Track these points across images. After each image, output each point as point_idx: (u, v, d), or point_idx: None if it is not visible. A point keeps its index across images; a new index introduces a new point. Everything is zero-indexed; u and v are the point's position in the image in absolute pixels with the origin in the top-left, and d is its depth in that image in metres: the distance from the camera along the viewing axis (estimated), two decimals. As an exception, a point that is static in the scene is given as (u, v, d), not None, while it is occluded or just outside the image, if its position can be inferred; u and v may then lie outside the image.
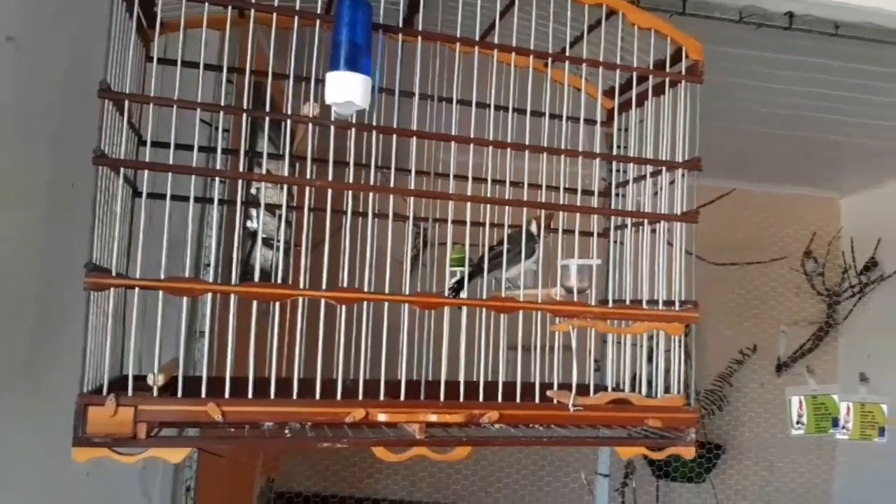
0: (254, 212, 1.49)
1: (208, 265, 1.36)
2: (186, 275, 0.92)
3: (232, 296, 0.85)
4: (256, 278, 0.91)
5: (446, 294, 1.05)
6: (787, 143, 3.21)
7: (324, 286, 0.91)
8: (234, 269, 0.88)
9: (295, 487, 3.83)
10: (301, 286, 0.89)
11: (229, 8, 0.98)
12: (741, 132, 3.06)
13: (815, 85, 2.47)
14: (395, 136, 1.01)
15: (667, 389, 1.14)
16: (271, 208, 1.24)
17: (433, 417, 0.91)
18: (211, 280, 0.86)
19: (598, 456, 2.19)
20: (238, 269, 0.92)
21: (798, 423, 2.29)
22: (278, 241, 1.10)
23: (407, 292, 0.97)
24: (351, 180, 0.98)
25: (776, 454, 4.04)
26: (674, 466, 3.79)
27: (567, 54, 1.19)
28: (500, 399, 1.00)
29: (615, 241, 1.32)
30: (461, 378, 1.02)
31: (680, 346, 1.16)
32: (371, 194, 0.99)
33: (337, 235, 1.00)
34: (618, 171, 1.33)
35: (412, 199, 1.04)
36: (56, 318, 1.11)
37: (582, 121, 1.25)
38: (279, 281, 1.01)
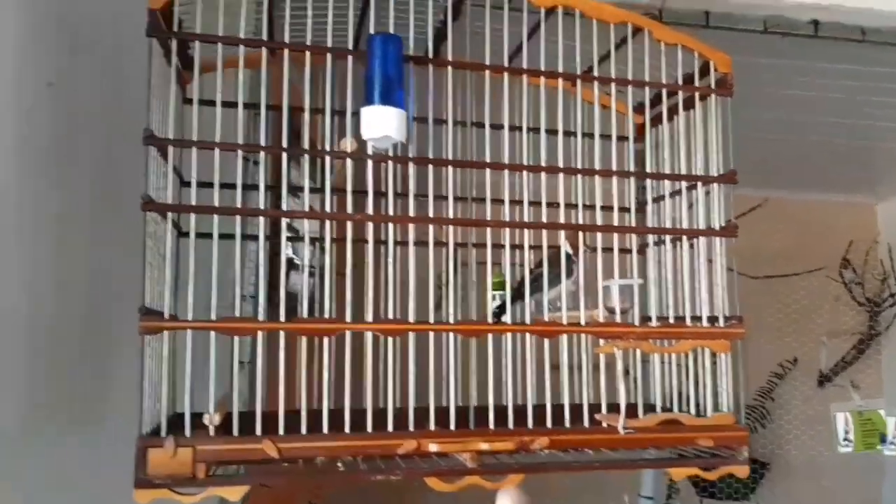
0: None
1: (248, 297, 1.38)
2: (235, 311, 0.93)
3: (281, 332, 0.86)
4: (305, 309, 0.91)
5: (490, 320, 1.05)
6: (818, 150, 3.18)
7: (369, 317, 0.92)
8: (282, 305, 0.89)
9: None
10: (347, 318, 0.90)
11: (264, 49, 1.00)
12: (771, 141, 3.04)
13: (845, 91, 2.45)
14: (430, 166, 1.02)
15: (715, 407, 1.13)
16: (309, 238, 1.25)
17: (484, 446, 0.91)
18: (259, 315, 0.86)
19: (642, 478, 2.15)
20: (284, 301, 0.93)
21: (845, 440, 2.24)
22: (312, 266, 1.11)
23: (451, 319, 0.97)
24: (391, 211, 0.99)
25: (823, 471, 3.93)
26: (718, 487, 3.71)
27: (595, 73, 1.19)
28: (549, 424, 0.99)
29: (653, 258, 1.31)
30: (509, 403, 1.02)
31: (727, 363, 1.14)
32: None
33: (376, 263, 1.01)
34: (652, 186, 1.33)
35: (450, 227, 1.05)
36: (104, 360, 1.13)
37: (614, 138, 1.25)
38: (326, 307, 1.02)
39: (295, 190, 1.05)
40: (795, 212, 3.97)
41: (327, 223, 0.93)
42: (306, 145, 0.98)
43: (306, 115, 0.98)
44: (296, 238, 1.09)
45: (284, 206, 0.93)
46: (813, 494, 3.95)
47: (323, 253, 1.06)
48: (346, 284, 1.00)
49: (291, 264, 1.90)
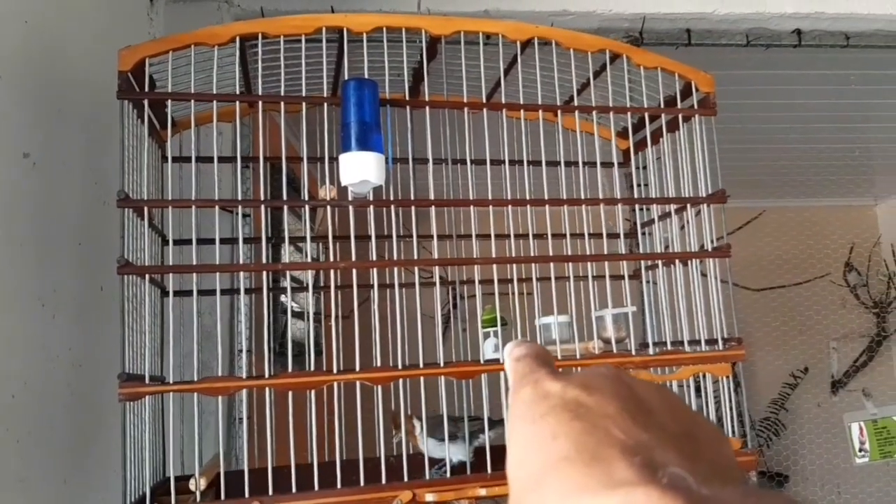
0: (284, 284, 1.49)
1: (240, 351, 1.36)
2: (220, 366, 0.91)
3: (267, 389, 0.84)
4: (290, 360, 0.90)
5: (482, 359, 1.03)
6: (813, 156, 3.17)
7: (357, 367, 0.90)
8: (267, 360, 0.87)
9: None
10: (334, 370, 0.88)
11: (237, 103, 0.99)
12: (764, 151, 3.03)
13: (833, 96, 2.44)
14: (413, 207, 1.01)
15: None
16: (300, 281, 1.24)
17: (482, 492, 0.88)
18: (244, 371, 0.85)
19: None
20: (272, 354, 0.91)
21: (861, 450, 2.19)
22: (308, 314, 1.09)
23: (441, 359, 0.95)
24: (374, 254, 0.98)
25: (841, 479, 3.86)
26: None
27: (576, 103, 1.19)
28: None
29: (647, 282, 1.30)
30: (507, 444, 1.00)
31: (728, 386, 1.12)
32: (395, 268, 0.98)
33: (364, 305, 1.00)
34: (641, 209, 1.32)
35: (437, 267, 1.03)
36: (92, 425, 1.11)
37: (599, 165, 1.25)
38: (312, 354, 1.01)
39: (282, 241, 1.04)
40: (794, 219, 3.95)
41: (309, 273, 0.91)
42: (287, 196, 0.97)
43: (283, 162, 0.97)
44: (283, 290, 1.08)
45: (264, 259, 0.92)
46: (834, 502, 3.88)
47: (316, 300, 1.04)
48: (336, 332, 0.99)
49: (286, 313, 1.90)
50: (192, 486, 0.81)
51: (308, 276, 0.94)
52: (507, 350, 0.42)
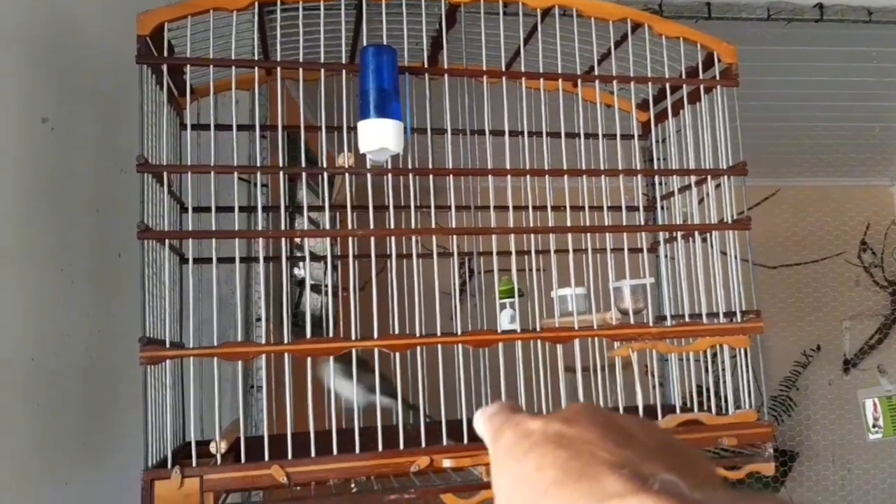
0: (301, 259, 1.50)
1: (258, 320, 1.37)
2: (238, 333, 0.92)
3: (286, 354, 0.84)
4: (308, 327, 0.90)
5: (499, 328, 1.03)
6: (830, 135, 3.13)
7: (375, 335, 0.90)
8: (285, 327, 0.87)
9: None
10: (353, 337, 0.88)
11: (256, 69, 0.98)
12: (781, 129, 3.00)
13: (854, 73, 2.41)
14: (431, 176, 1.00)
15: (736, 405, 1.10)
16: (315, 254, 1.24)
17: (500, 459, 0.88)
18: (263, 337, 0.85)
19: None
20: (289, 322, 0.91)
21: (874, 426, 2.19)
22: (326, 285, 1.09)
23: (458, 329, 0.95)
24: (392, 223, 0.98)
25: (852, 457, 3.86)
26: (747, 482, 3.65)
27: (596, 73, 1.17)
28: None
29: (665, 256, 1.29)
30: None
31: (746, 358, 1.11)
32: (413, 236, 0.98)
33: (382, 276, 1.00)
34: (660, 183, 1.30)
35: (454, 236, 1.03)
36: (110, 390, 1.13)
37: (619, 137, 1.23)
38: (330, 325, 1.01)
39: (298, 210, 1.04)
40: (810, 198, 3.91)
41: (328, 241, 0.91)
42: (304, 158, 0.97)
43: (301, 131, 0.96)
44: (301, 258, 1.08)
45: (283, 226, 0.91)
46: (843, 480, 3.89)
47: (333, 271, 1.04)
48: (353, 301, 0.99)
49: (302, 284, 1.90)
50: (212, 449, 0.82)
51: (326, 244, 0.93)
52: (477, 415, 0.43)
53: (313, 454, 0.84)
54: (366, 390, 0.91)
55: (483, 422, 0.42)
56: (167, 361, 0.84)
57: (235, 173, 0.89)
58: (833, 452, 3.89)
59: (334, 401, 0.88)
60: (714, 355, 1.15)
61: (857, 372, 3.89)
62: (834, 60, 2.32)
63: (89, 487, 1.03)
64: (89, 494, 1.03)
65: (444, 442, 0.90)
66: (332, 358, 0.85)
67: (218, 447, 0.81)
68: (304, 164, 0.97)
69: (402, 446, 0.88)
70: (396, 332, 0.92)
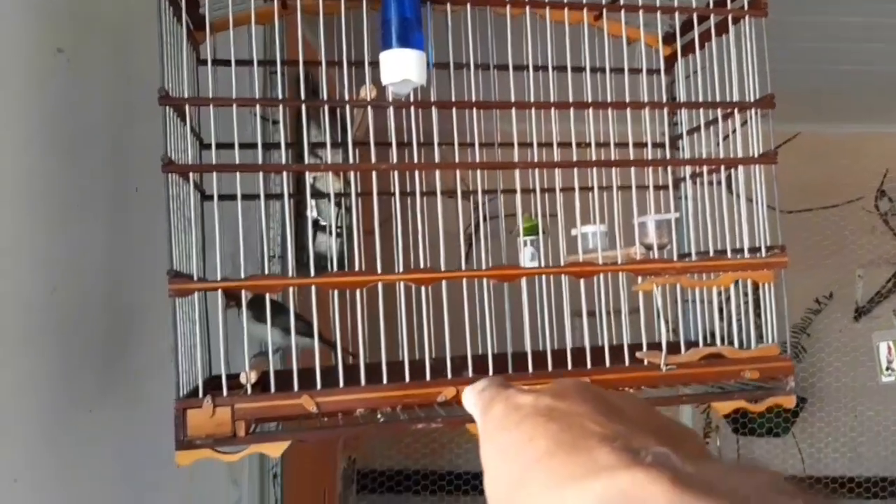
0: (311, 201, 1.49)
1: (273, 257, 1.37)
2: (261, 270, 0.92)
3: (312, 287, 0.84)
4: (335, 264, 0.90)
5: (522, 264, 1.02)
6: (853, 79, 3.06)
7: (399, 269, 0.90)
8: (310, 261, 0.87)
9: (377, 466, 3.90)
10: (377, 270, 0.88)
11: (276, 2, 0.96)
12: (804, 72, 2.92)
13: (887, 14, 2.33)
14: (454, 110, 0.99)
15: (759, 339, 1.10)
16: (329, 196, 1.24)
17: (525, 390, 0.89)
18: (289, 272, 0.85)
19: (678, 415, 2.14)
20: (311, 256, 0.91)
21: (888, 369, 2.20)
22: (339, 227, 1.08)
23: (483, 264, 0.95)
24: (417, 157, 0.96)
25: (861, 401, 3.90)
26: (758, 423, 3.69)
27: (622, 3, 1.14)
28: (588, 365, 0.97)
29: (685, 196, 1.27)
30: (547, 346, 1.01)
31: (770, 293, 1.11)
32: (437, 172, 0.97)
33: (403, 215, 0.99)
34: (675, 123, 1.28)
35: (477, 171, 1.02)
36: (129, 322, 1.14)
37: (644, 71, 1.21)
38: (344, 267, 1.01)
39: (316, 146, 1.03)
40: (828, 144, 3.85)
41: (341, 175, 0.90)
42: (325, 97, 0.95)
43: (323, 67, 0.95)
44: (321, 195, 1.07)
45: (307, 161, 0.90)
46: (852, 424, 3.92)
47: (349, 212, 1.04)
48: (374, 239, 0.99)
49: (318, 226, 1.90)
50: (242, 380, 0.82)
51: (352, 179, 0.92)
52: (467, 390, 0.44)
53: (341, 385, 0.84)
54: (282, 332, 0.89)
55: (473, 396, 0.43)
56: (195, 295, 0.84)
57: (258, 106, 0.88)
58: (841, 397, 3.92)
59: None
60: (727, 299, 1.15)
61: (868, 319, 3.89)
62: (863, 1, 2.25)
63: (114, 413, 1.05)
64: (115, 420, 1.06)
65: (470, 374, 0.91)
66: (244, 303, 0.83)
67: (248, 377, 0.82)
68: (324, 98, 0.95)
69: (428, 378, 0.88)
70: (422, 266, 0.92)
